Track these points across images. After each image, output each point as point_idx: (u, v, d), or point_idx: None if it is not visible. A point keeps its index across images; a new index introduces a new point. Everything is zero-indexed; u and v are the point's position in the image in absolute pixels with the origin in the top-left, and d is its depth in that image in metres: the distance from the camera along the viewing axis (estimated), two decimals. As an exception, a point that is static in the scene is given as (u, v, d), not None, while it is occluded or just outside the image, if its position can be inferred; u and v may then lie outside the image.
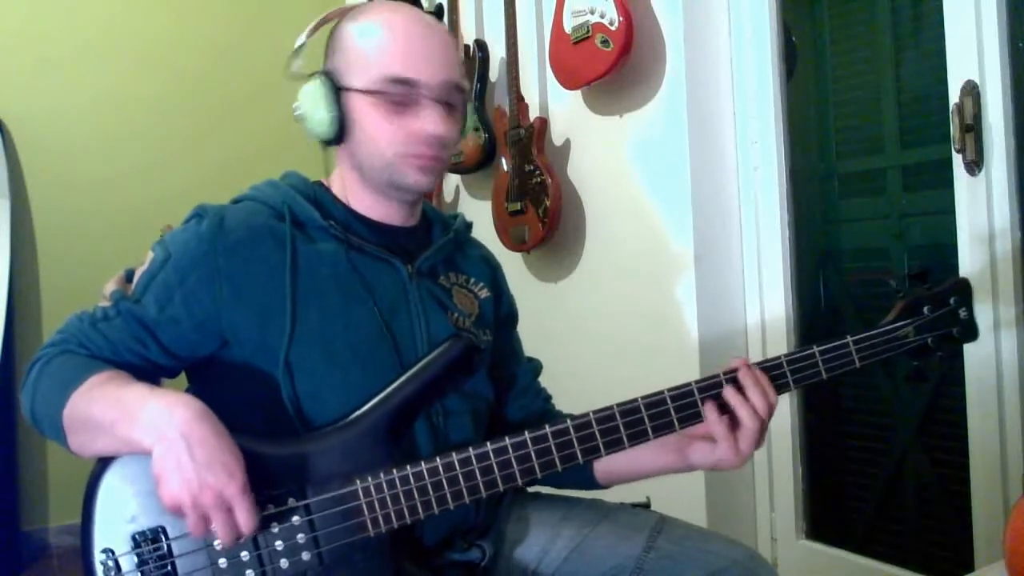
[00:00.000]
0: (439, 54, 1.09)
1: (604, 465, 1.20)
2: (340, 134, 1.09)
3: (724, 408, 1.04)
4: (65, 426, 0.97)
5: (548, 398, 1.31)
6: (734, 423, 1.04)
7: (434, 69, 1.07)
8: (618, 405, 1.03)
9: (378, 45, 1.07)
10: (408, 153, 1.08)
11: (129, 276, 1.13)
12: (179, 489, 0.88)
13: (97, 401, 0.95)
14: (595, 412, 1.03)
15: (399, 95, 1.06)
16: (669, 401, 1.04)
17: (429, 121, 1.07)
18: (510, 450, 1.01)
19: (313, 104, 1.08)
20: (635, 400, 1.04)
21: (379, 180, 1.11)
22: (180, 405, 0.91)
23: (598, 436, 1.03)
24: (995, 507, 1.62)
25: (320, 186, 1.16)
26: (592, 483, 1.23)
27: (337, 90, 1.08)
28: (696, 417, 1.05)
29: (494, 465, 1.01)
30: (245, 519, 0.90)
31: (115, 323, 1.03)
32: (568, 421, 1.03)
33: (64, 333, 1.05)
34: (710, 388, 1.05)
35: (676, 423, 1.04)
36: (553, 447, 1.02)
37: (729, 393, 1.04)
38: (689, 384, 1.05)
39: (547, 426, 1.02)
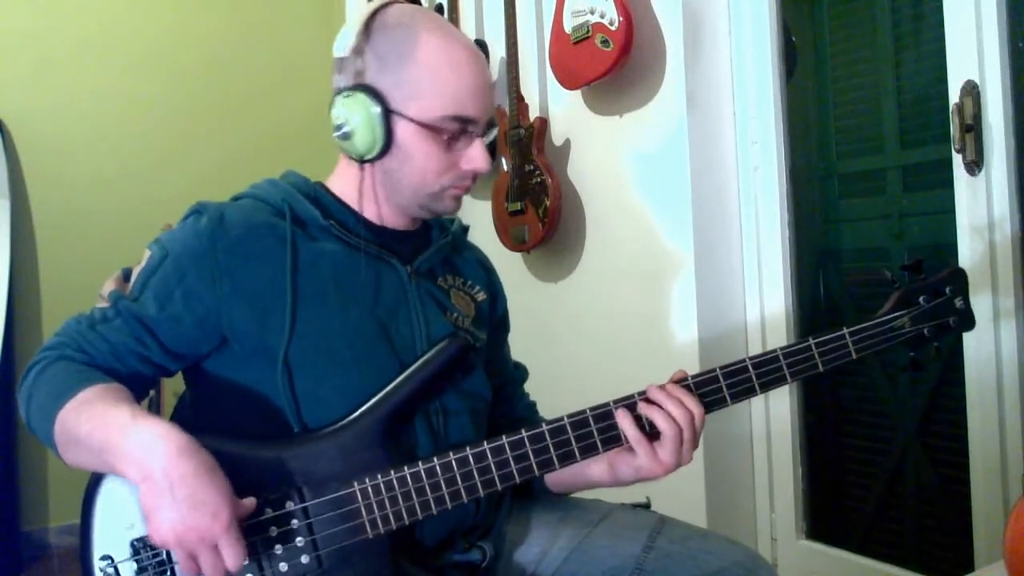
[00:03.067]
0: (488, 91, 1.10)
1: (549, 477, 1.20)
2: (380, 154, 1.07)
3: (643, 419, 1.04)
4: (57, 441, 0.97)
5: (530, 406, 1.32)
6: (655, 434, 1.04)
7: (485, 107, 1.09)
8: (568, 417, 1.04)
9: (442, 82, 1.05)
10: (454, 186, 1.10)
11: (126, 275, 1.12)
12: (164, 530, 0.87)
13: (84, 423, 0.93)
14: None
15: (454, 131, 1.07)
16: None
17: (481, 160, 1.08)
18: (507, 449, 1.01)
19: (363, 124, 1.05)
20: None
21: (411, 202, 1.11)
22: (161, 440, 0.89)
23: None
24: (995, 507, 1.62)
25: (320, 186, 1.15)
26: (547, 491, 1.24)
27: (387, 111, 1.05)
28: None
29: (492, 464, 1.01)
30: (230, 557, 0.89)
31: (114, 324, 1.02)
32: (566, 419, 1.03)
33: (62, 336, 1.03)
34: (625, 399, 1.05)
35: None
36: (551, 445, 1.02)
37: (643, 404, 1.04)
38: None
39: (543, 424, 1.03)
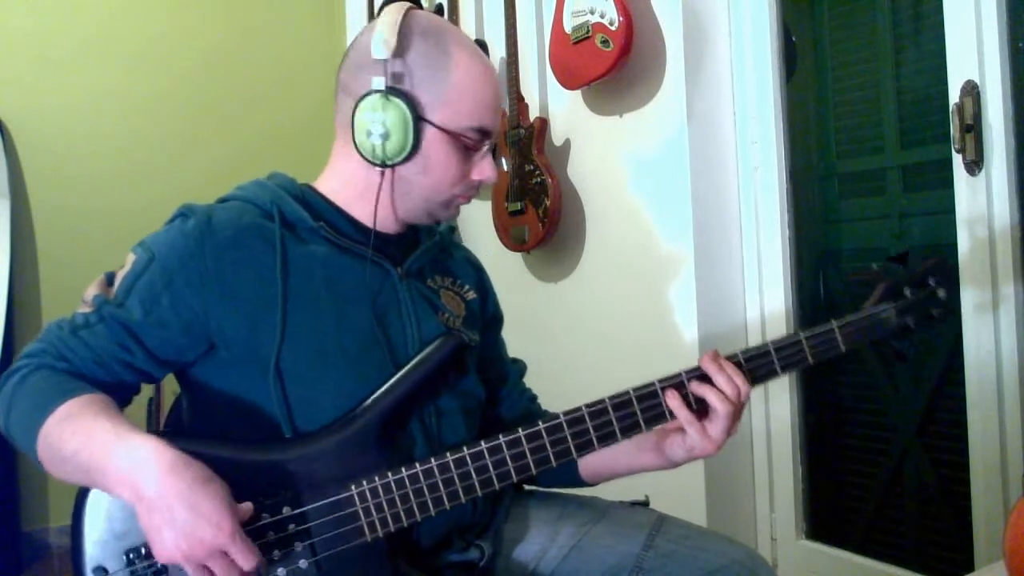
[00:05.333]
0: (500, 104, 1.13)
1: (588, 464, 1.20)
2: (405, 160, 1.07)
3: (689, 396, 1.05)
4: (41, 457, 0.95)
5: (533, 398, 1.31)
6: (704, 412, 1.05)
7: (499, 120, 1.12)
8: (610, 399, 1.04)
9: (471, 93, 1.07)
10: (462, 194, 1.12)
11: (110, 280, 1.07)
12: (171, 549, 0.86)
13: (68, 440, 0.91)
14: (588, 405, 1.04)
15: (474, 141, 1.09)
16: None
17: (490, 170, 1.11)
18: (504, 448, 1.01)
19: (398, 131, 1.04)
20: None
21: (420, 208, 1.11)
22: (151, 459, 0.88)
23: (592, 431, 1.03)
24: (995, 507, 1.62)
25: (308, 187, 1.14)
26: (579, 481, 1.23)
27: (417, 117, 1.05)
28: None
29: (489, 464, 1.01)
30: (244, 562, 0.88)
31: (97, 329, 1.00)
32: (561, 416, 1.03)
33: (43, 343, 1.00)
34: (672, 379, 1.06)
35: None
36: (547, 443, 1.02)
37: (694, 383, 1.05)
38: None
39: (540, 422, 1.02)
